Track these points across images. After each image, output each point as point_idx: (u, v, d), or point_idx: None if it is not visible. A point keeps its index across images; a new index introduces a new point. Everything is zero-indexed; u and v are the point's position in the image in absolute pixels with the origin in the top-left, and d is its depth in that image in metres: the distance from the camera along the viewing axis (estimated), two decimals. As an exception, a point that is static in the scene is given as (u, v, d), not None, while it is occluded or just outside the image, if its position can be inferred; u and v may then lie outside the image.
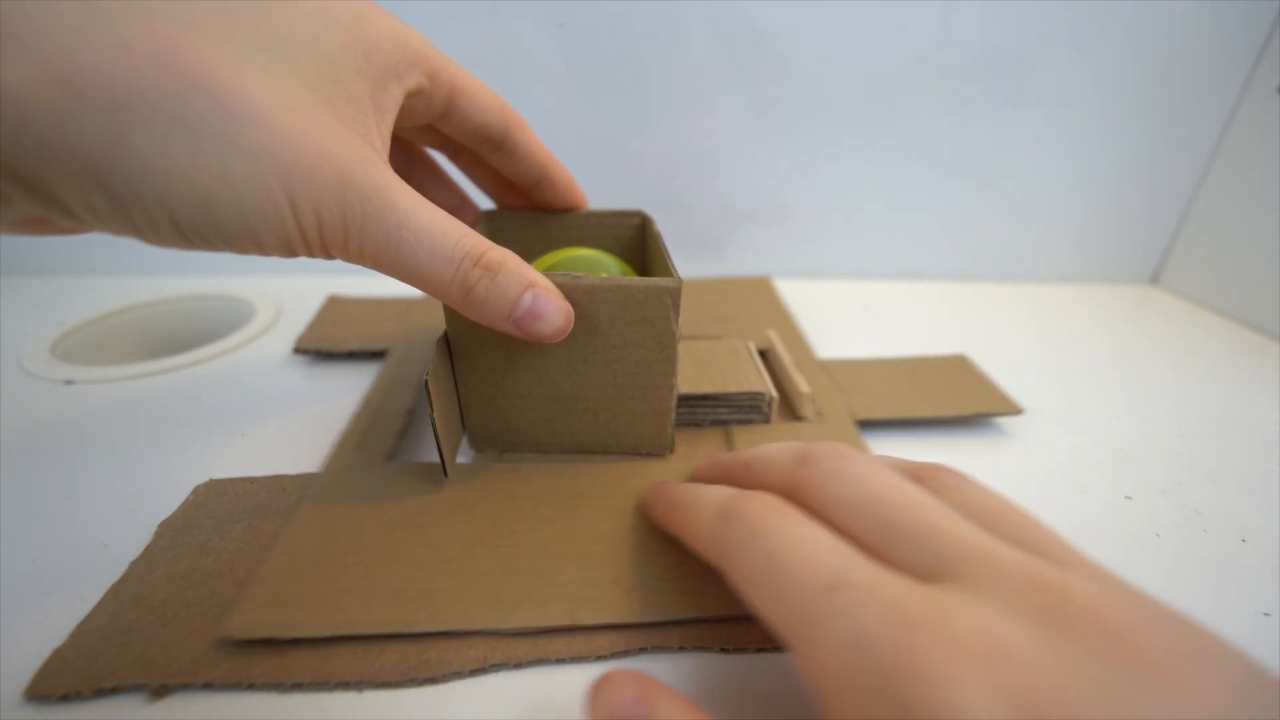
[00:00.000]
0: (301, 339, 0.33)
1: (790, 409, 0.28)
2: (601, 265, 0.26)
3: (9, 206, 0.14)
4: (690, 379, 0.26)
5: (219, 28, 0.15)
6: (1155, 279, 0.46)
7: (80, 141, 0.13)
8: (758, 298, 0.39)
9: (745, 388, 0.26)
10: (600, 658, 0.17)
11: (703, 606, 0.18)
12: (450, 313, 0.21)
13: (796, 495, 0.16)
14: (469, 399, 0.23)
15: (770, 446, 0.19)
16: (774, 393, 0.26)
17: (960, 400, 0.28)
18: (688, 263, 0.43)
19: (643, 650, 0.17)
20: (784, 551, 0.14)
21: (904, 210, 0.43)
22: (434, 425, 0.21)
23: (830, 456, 0.16)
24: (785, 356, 0.30)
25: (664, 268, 0.22)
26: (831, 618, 0.12)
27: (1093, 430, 0.28)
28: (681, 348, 0.26)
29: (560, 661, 0.17)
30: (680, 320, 0.21)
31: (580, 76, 0.38)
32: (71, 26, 0.13)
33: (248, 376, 0.31)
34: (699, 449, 0.25)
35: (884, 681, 0.11)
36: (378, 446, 0.25)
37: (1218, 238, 0.41)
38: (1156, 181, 0.42)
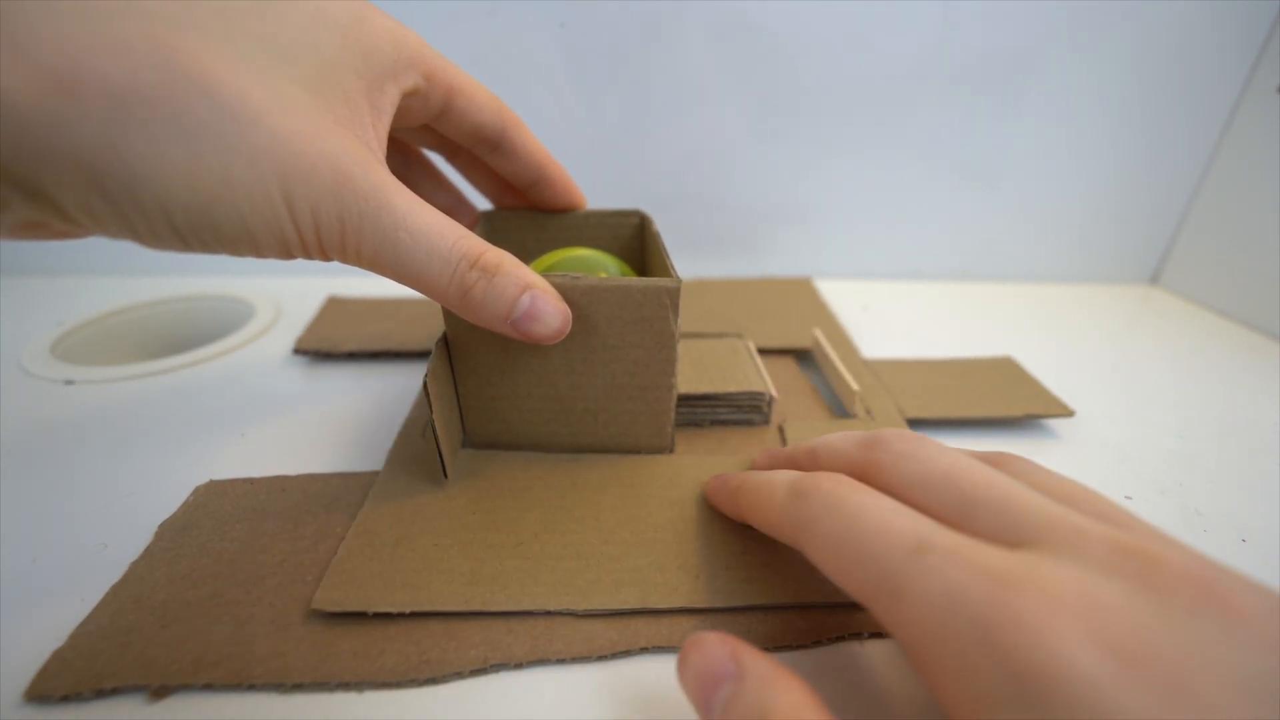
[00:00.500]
0: (301, 339, 0.33)
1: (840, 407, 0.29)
2: (600, 265, 0.26)
3: (7, 210, 0.14)
4: (690, 379, 0.26)
5: (217, 29, 0.15)
6: (1155, 279, 0.46)
7: (78, 144, 0.13)
8: (799, 298, 0.39)
9: (745, 387, 0.26)
10: (601, 657, 0.17)
11: (768, 594, 0.18)
12: (449, 314, 0.21)
13: (866, 477, 0.16)
14: (468, 400, 0.23)
15: (834, 435, 0.19)
16: (774, 393, 0.26)
17: (1010, 401, 0.28)
18: (687, 262, 0.43)
19: (643, 650, 0.17)
20: (863, 520, 0.14)
21: (904, 210, 0.43)
22: (433, 427, 0.21)
23: (899, 440, 0.17)
24: (833, 355, 0.30)
25: (663, 267, 0.22)
26: (921, 577, 0.12)
27: (1093, 430, 0.28)
28: (681, 348, 0.26)
29: (560, 661, 0.17)
30: (680, 320, 0.22)
31: (580, 76, 0.38)
32: (69, 28, 0.13)
33: (248, 376, 0.31)
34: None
35: (981, 633, 0.11)
36: (453, 434, 0.25)
37: (1218, 238, 0.41)
38: (1156, 181, 0.42)
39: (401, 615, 0.18)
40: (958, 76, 0.38)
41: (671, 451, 0.25)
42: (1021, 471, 0.16)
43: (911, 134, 0.40)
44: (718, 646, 0.14)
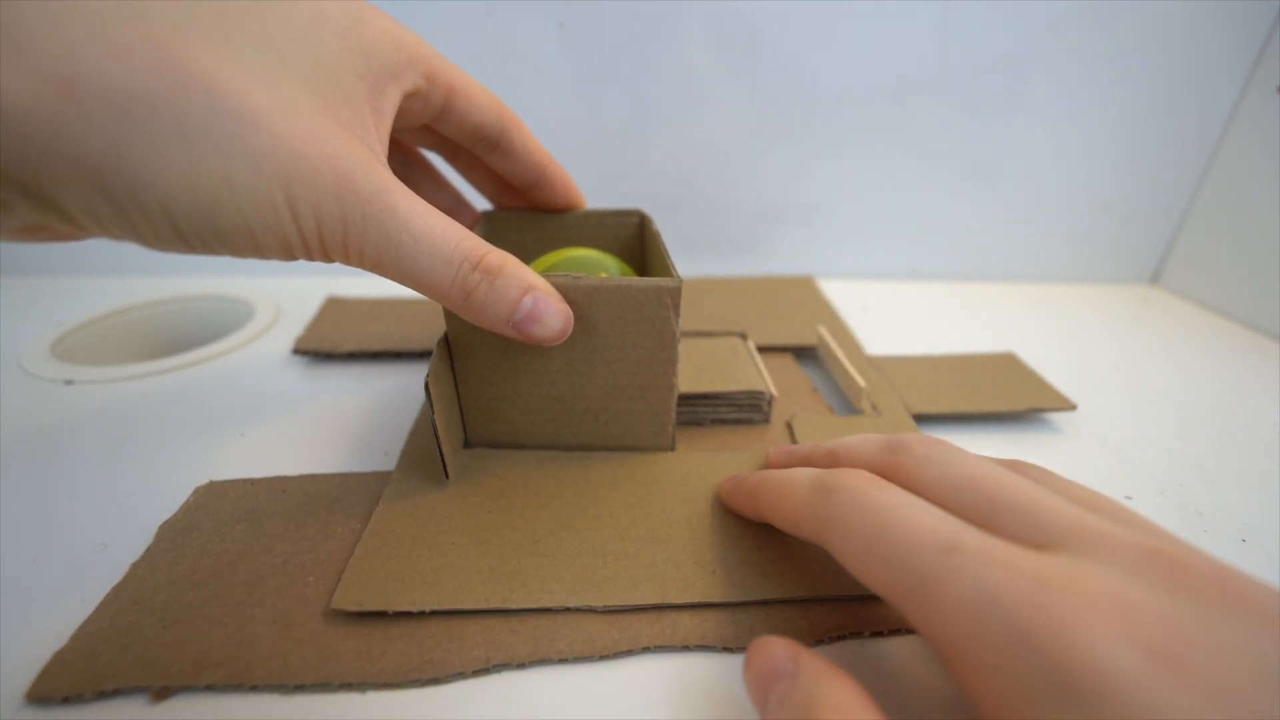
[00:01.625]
0: (301, 340, 0.33)
1: (846, 404, 0.29)
2: (600, 265, 0.26)
3: (10, 214, 0.14)
4: (690, 378, 0.26)
5: (218, 31, 0.15)
6: (1155, 279, 0.46)
7: (81, 148, 0.13)
8: (802, 296, 0.40)
9: (745, 386, 0.26)
10: (603, 657, 0.17)
11: (784, 588, 0.18)
12: (450, 314, 0.21)
13: (890, 480, 0.16)
14: (469, 400, 0.23)
15: (853, 438, 0.19)
16: (774, 391, 0.26)
17: (1013, 396, 0.29)
18: (687, 262, 0.43)
19: (645, 650, 0.17)
20: (892, 518, 0.14)
21: (904, 210, 0.43)
22: (434, 427, 0.21)
23: (922, 444, 0.17)
24: (838, 351, 0.30)
25: (663, 267, 0.22)
26: (954, 577, 0.12)
27: (1093, 430, 0.28)
28: (681, 347, 0.26)
29: (563, 661, 0.17)
30: (681, 320, 0.22)
31: (580, 77, 0.38)
32: (70, 31, 0.13)
33: (248, 377, 0.31)
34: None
35: (1016, 636, 0.11)
36: (454, 434, 0.25)
37: (1218, 238, 0.41)
38: (1156, 181, 0.42)
39: (404, 615, 0.18)
40: (958, 76, 0.38)
41: (673, 451, 0.25)
42: (1041, 478, 0.16)
43: (912, 134, 0.40)
44: (778, 648, 0.14)
